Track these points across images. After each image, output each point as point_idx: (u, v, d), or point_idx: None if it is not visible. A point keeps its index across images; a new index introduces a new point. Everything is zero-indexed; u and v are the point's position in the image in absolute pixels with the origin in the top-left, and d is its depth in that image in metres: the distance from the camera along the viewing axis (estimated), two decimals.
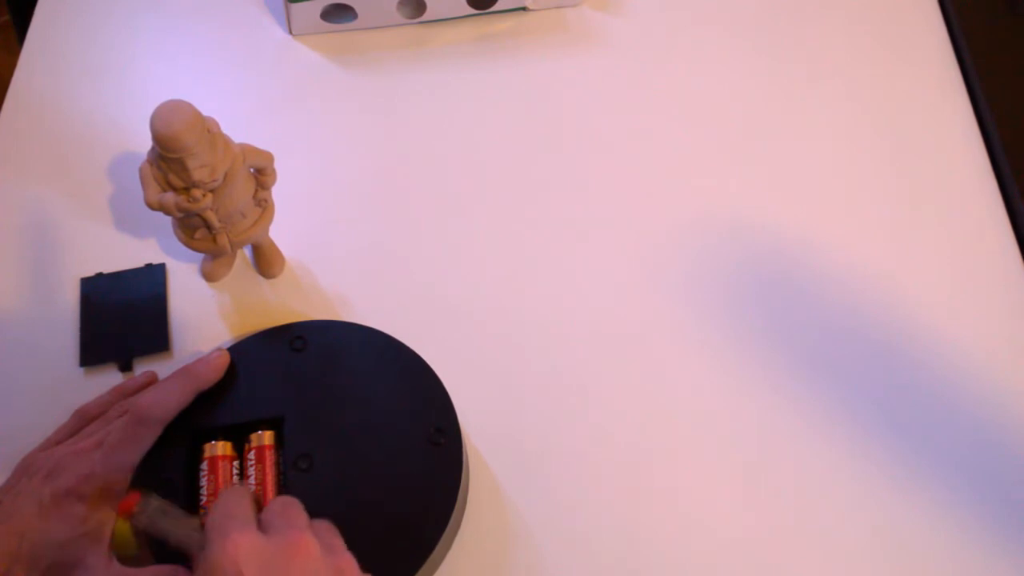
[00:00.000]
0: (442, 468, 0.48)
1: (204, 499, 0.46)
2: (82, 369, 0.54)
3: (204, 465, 0.47)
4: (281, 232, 0.57)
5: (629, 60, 0.67)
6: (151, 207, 0.49)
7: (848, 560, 0.49)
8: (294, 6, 0.66)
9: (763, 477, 0.51)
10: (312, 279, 0.58)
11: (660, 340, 0.56)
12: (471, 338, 0.56)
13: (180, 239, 0.53)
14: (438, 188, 0.62)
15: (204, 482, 0.46)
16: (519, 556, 0.49)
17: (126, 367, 0.54)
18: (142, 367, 0.55)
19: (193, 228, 0.52)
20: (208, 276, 0.58)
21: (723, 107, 0.65)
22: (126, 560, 0.44)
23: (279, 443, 0.48)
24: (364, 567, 0.41)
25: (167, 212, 0.49)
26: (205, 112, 0.48)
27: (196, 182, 0.47)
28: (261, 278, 0.58)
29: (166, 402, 0.47)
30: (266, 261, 0.57)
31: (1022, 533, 0.49)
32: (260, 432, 0.48)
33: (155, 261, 0.58)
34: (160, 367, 0.54)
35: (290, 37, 0.69)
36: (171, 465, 0.47)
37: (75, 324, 0.56)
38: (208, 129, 0.47)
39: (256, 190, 0.52)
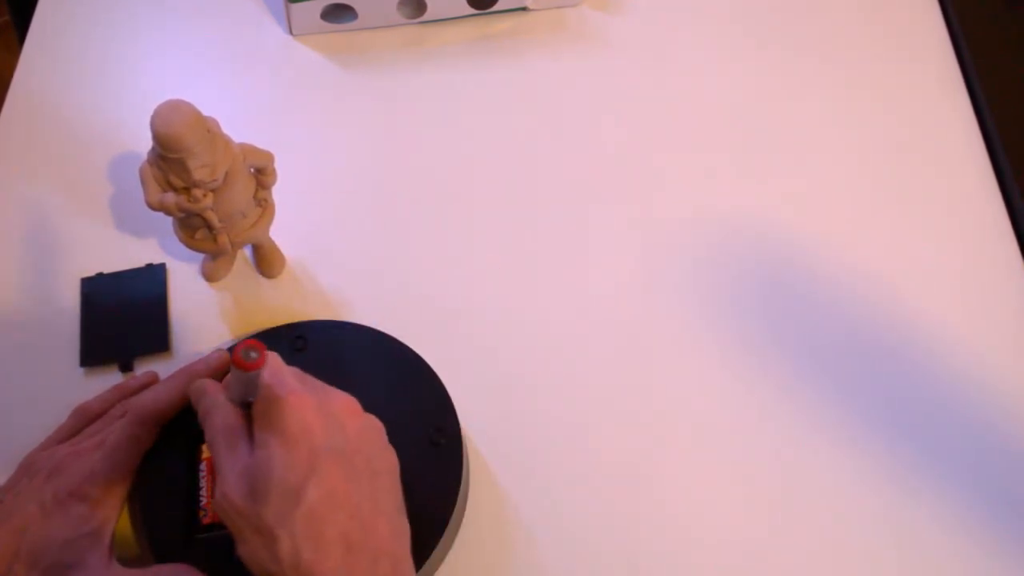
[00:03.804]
0: (442, 468, 0.48)
1: (204, 499, 0.46)
2: (82, 369, 0.54)
3: (203, 466, 0.47)
4: (281, 232, 0.57)
5: (629, 60, 0.67)
6: (151, 207, 0.49)
7: (850, 560, 0.49)
8: (294, 6, 0.66)
9: (765, 477, 0.51)
10: (312, 279, 0.58)
11: (661, 340, 0.56)
12: (471, 338, 0.56)
13: (180, 239, 0.53)
14: (438, 188, 0.62)
15: (203, 483, 0.46)
16: (519, 556, 0.49)
17: (126, 367, 0.54)
18: (142, 367, 0.55)
19: (193, 228, 0.52)
20: (208, 276, 0.58)
21: (723, 107, 0.65)
22: (127, 561, 0.44)
23: None
24: None
25: (167, 212, 0.49)
26: (205, 112, 0.47)
27: (196, 182, 0.47)
28: (261, 278, 0.58)
29: (166, 403, 0.47)
30: (266, 261, 0.57)
31: None
32: None
33: (155, 261, 0.58)
34: (160, 367, 0.54)
35: (290, 37, 0.69)
36: (171, 465, 0.47)
37: (75, 324, 0.56)
38: (208, 129, 0.47)
39: (256, 190, 0.52)
